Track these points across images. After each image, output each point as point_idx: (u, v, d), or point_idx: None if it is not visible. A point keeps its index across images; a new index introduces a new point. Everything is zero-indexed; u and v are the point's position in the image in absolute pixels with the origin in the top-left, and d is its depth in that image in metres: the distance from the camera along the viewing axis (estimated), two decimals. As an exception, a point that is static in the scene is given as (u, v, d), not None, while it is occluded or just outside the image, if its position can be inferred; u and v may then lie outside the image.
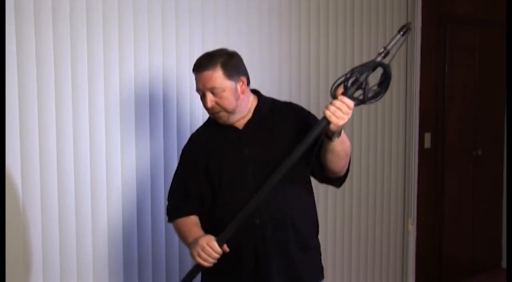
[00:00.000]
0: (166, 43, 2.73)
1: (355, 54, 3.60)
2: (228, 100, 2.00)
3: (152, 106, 2.70)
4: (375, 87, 1.81)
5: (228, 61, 2.01)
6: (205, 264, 1.91)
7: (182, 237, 2.11)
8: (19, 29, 2.30)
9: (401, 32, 1.82)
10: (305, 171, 2.05)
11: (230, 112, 2.03)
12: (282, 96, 3.12)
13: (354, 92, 1.79)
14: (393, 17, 3.80)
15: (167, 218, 2.22)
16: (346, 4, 3.52)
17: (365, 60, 3.51)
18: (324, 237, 3.46)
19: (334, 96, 1.82)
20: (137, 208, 2.68)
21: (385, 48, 1.82)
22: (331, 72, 3.48)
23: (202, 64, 2.00)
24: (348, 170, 2.06)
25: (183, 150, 2.20)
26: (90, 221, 2.53)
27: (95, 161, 2.54)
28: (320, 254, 2.19)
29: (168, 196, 2.22)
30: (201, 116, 2.83)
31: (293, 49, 3.27)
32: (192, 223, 2.08)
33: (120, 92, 2.60)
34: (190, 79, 2.76)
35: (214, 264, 1.95)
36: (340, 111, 1.78)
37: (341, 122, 1.79)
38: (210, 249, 1.89)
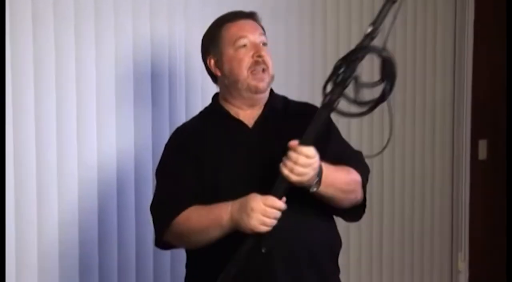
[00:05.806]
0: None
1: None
2: (271, 62, 2.02)
3: (137, 94, 2.58)
4: (378, 82, 1.66)
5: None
6: (266, 228, 1.77)
7: (199, 225, 1.86)
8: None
9: None
10: None
11: (271, 78, 2.00)
12: (291, 96, 3.02)
13: (341, 93, 1.69)
14: None
15: (159, 238, 1.98)
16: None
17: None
18: (347, 275, 3.21)
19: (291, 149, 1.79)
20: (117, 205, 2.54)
21: (373, 24, 1.67)
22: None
23: (249, 13, 2.02)
24: (365, 199, 1.96)
25: (166, 147, 2.07)
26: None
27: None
28: None
29: (152, 209, 1.99)
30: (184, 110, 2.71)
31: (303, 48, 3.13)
32: (199, 206, 1.89)
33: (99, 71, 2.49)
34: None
35: None
36: (299, 166, 1.69)
37: (305, 178, 1.70)
38: (273, 209, 1.73)
